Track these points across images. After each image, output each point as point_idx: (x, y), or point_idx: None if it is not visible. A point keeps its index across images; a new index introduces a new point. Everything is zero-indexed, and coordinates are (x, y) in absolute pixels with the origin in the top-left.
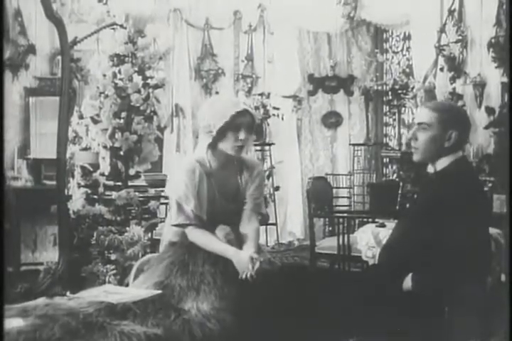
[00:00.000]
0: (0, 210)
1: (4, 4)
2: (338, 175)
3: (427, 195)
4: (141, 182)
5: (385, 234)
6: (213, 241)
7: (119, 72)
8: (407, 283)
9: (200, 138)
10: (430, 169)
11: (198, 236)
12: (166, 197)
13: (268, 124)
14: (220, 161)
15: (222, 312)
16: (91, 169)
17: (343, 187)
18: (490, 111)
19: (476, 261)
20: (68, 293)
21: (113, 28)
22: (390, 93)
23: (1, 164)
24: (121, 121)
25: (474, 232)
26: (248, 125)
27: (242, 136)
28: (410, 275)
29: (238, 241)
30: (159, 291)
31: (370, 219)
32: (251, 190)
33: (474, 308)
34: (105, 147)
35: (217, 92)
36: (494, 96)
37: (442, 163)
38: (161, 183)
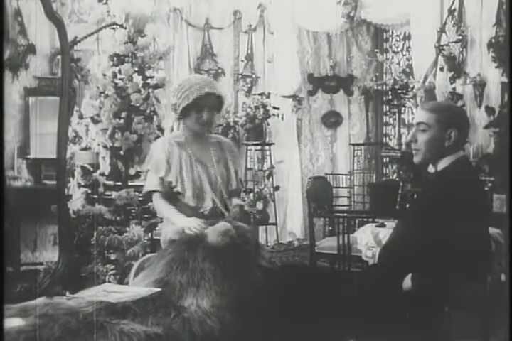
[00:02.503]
0: (0, 210)
1: (4, 4)
2: (338, 174)
3: (427, 194)
4: (141, 182)
5: (384, 233)
6: (169, 210)
7: (119, 71)
8: (407, 282)
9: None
10: (431, 169)
11: (159, 204)
12: None
13: (268, 124)
14: (191, 135)
15: (222, 309)
16: (91, 169)
17: (343, 187)
18: (490, 110)
19: (475, 260)
20: (68, 293)
21: (113, 28)
22: (389, 93)
23: (1, 164)
24: (121, 120)
25: (474, 232)
26: (212, 105)
27: (204, 115)
28: (410, 275)
29: (238, 235)
30: (158, 289)
31: (370, 219)
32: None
33: (474, 308)
34: (105, 147)
35: None
36: (494, 96)
37: (443, 163)
38: None
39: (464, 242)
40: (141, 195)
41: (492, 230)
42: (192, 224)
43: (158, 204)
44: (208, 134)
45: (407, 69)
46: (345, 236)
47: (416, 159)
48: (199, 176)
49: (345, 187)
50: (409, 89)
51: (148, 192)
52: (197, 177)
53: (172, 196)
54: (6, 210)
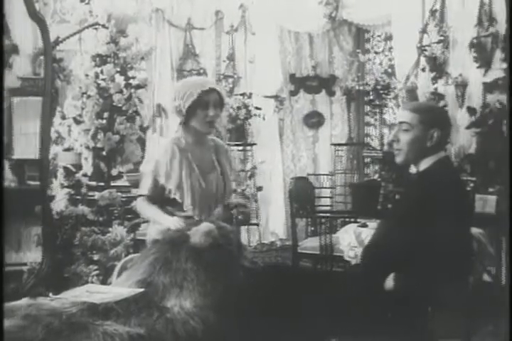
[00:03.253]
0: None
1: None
2: (320, 175)
3: (409, 195)
4: (123, 182)
5: (366, 234)
6: (153, 211)
7: (102, 72)
8: (389, 282)
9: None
10: (413, 169)
11: (143, 206)
12: None
13: (250, 124)
14: (193, 138)
15: (205, 310)
16: (74, 169)
17: (325, 188)
18: (471, 111)
19: (458, 260)
20: (51, 294)
21: (95, 28)
22: (371, 93)
23: (0, 164)
24: (104, 121)
25: (456, 232)
26: (216, 102)
27: (211, 112)
28: (392, 275)
29: (221, 236)
30: (141, 290)
31: (352, 219)
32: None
33: (457, 308)
34: (88, 147)
35: None
36: (476, 96)
37: (425, 163)
38: None
39: (446, 242)
40: (124, 197)
41: (474, 230)
42: (176, 222)
43: (142, 205)
44: (207, 136)
45: (389, 70)
46: (328, 236)
47: (398, 159)
48: (199, 184)
49: (328, 188)
50: (391, 90)
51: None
52: (196, 185)
53: (167, 202)
54: None
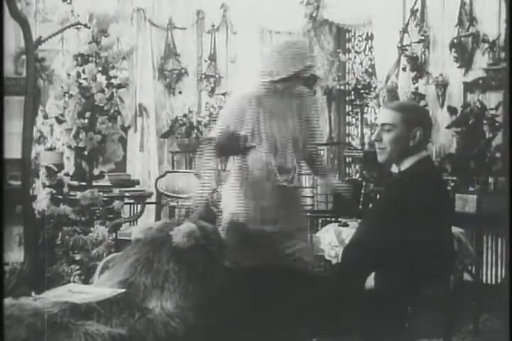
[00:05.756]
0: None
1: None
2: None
3: (391, 194)
4: (105, 182)
5: (347, 233)
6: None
7: (83, 71)
8: (370, 282)
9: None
10: (394, 169)
11: (206, 159)
12: (130, 197)
13: None
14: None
15: (186, 311)
16: (56, 169)
17: (306, 187)
18: (452, 110)
19: (438, 260)
20: (33, 294)
21: (77, 28)
22: (352, 93)
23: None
24: (86, 121)
25: (437, 231)
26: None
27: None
28: (373, 274)
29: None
30: (123, 290)
31: (333, 219)
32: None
33: (437, 307)
34: (70, 147)
35: (180, 92)
36: (456, 96)
37: (407, 162)
38: (125, 183)
39: (427, 242)
40: (106, 197)
41: (455, 229)
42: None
43: (206, 158)
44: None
45: (370, 69)
46: (309, 235)
47: (380, 158)
48: (279, 130)
49: (308, 187)
50: (372, 89)
51: (208, 139)
52: (275, 131)
53: (243, 150)
54: None
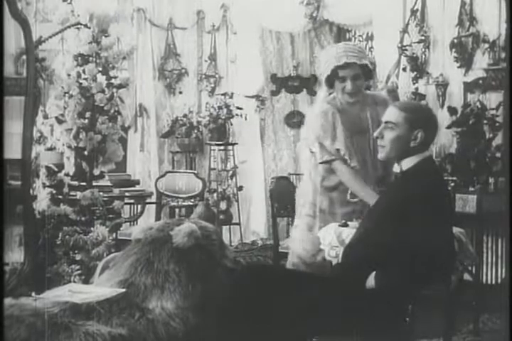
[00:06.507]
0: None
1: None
2: (301, 174)
3: (392, 194)
4: (105, 182)
5: (347, 233)
6: (356, 180)
7: (84, 71)
8: (370, 281)
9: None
10: (396, 168)
11: (344, 172)
12: (130, 197)
13: (231, 124)
14: (348, 99)
15: (186, 310)
16: (56, 169)
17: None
18: (452, 110)
19: (439, 260)
20: (33, 294)
21: (77, 28)
22: None
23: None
24: (86, 121)
25: (438, 232)
26: (355, 76)
27: (348, 86)
28: (373, 273)
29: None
30: (123, 290)
31: None
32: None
33: (437, 307)
34: (70, 147)
35: (180, 92)
36: (456, 96)
37: (408, 162)
38: (126, 183)
39: (427, 241)
40: (106, 197)
41: (455, 229)
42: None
43: (343, 172)
44: (366, 94)
45: None
46: None
47: (380, 155)
48: (361, 143)
49: None
50: (372, 89)
51: (325, 162)
52: (358, 144)
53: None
54: None
